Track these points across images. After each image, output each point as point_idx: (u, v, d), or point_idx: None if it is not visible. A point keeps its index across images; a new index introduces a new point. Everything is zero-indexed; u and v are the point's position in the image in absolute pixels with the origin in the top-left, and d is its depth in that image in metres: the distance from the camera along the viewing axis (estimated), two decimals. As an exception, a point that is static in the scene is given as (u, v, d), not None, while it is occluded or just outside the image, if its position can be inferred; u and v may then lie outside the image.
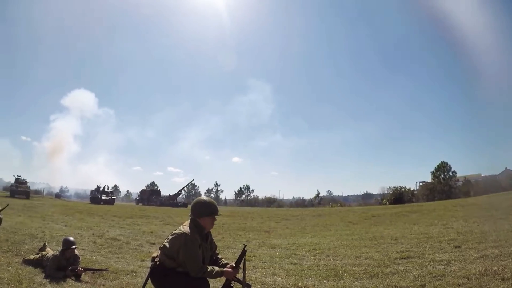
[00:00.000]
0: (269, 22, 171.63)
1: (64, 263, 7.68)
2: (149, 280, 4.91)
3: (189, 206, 5.29)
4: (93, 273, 7.87)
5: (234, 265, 5.03)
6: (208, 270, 4.77)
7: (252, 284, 6.39)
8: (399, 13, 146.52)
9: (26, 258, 8.66)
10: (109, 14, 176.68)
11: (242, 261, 4.99)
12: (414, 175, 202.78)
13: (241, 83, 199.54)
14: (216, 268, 4.89)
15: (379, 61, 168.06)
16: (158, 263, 4.83)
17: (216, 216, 5.14)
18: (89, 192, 72.92)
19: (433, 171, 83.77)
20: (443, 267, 8.44)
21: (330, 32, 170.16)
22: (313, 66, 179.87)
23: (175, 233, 4.86)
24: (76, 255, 7.99)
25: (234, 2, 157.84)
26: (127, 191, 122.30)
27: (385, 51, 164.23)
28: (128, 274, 8.05)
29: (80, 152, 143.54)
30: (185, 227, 4.91)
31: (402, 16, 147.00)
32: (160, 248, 4.96)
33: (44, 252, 8.66)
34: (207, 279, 4.88)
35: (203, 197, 5.41)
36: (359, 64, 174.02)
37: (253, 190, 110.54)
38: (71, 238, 8.10)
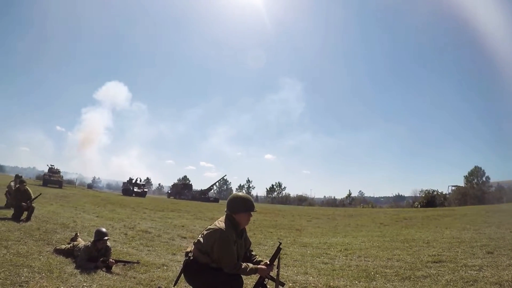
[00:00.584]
0: (301, 21, 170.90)
1: (96, 254, 7.72)
2: (182, 275, 4.86)
3: (221, 201, 5.22)
4: (124, 265, 7.90)
5: (268, 262, 4.97)
6: (243, 267, 4.73)
7: (285, 282, 6.28)
8: (431, 13, 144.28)
9: (58, 247, 8.73)
10: (149, 11, 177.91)
11: (277, 258, 4.92)
12: (447, 179, 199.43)
13: (272, 81, 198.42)
14: (251, 265, 4.84)
15: (415, 62, 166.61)
16: (191, 258, 4.79)
17: (252, 213, 5.05)
18: (121, 184, 73.98)
19: (466, 176, 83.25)
20: (475, 272, 8.29)
21: (366, 31, 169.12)
22: (347, 65, 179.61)
23: (210, 229, 4.82)
24: (108, 246, 8.03)
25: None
26: (159, 184, 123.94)
27: (421, 51, 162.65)
28: (159, 268, 8.06)
29: (113, 144, 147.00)
30: (220, 223, 4.85)
31: (434, 17, 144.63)
32: (194, 243, 4.92)
33: (75, 242, 8.70)
34: (241, 275, 4.82)
35: (240, 193, 5.28)
36: (394, 65, 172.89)
37: (284, 187, 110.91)
38: (104, 229, 8.13)
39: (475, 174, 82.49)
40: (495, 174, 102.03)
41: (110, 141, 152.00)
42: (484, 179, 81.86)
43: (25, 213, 12.87)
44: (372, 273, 8.46)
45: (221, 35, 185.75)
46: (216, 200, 69.78)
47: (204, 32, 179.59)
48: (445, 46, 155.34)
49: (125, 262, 8.02)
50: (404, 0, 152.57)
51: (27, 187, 13.58)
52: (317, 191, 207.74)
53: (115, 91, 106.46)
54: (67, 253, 8.30)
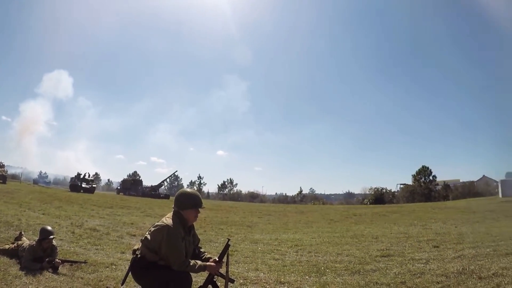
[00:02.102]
0: (250, 18, 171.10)
1: (41, 254, 7.46)
2: (130, 274, 4.78)
3: (171, 198, 5.17)
4: (71, 265, 7.67)
5: (217, 259, 4.94)
6: (191, 264, 4.67)
7: (235, 279, 6.29)
8: (397, 14, 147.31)
9: (1, 247, 8.40)
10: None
11: (226, 255, 4.90)
12: (396, 178, 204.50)
13: (218, 77, 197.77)
14: (199, 262, 4.79)
15: (368, 63, 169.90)
16: (139, 256, 4.71)
17: (200, 209, 5.02)
18: (69, 179, 72.39)
19: (414, 174, 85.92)
20: (422, 265, 8.65)
21: (317, 29, 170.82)
22: (301, 65, 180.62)
23: (157, 225, 4.73)
24: (54, 245, 7.76)
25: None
26: (108, 179, 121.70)
27: (375, 54, 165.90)
28: (107, 267, 7.88)
29: (59, 138, 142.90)
30: (168, 219, 4.78)
31: (396, 18, 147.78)
32: (141, 241, 4.83)
33: (20, 242, 8.40)
34: (190, 273, 4.77)
35: (187, 189, 5.26)
36: (349, 66, 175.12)
37: (236, 184, 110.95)
38: (49, 228, 7.85)
39: (423, 173, 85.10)
40: (442, 174, 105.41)
41: (55, 135, 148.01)
42: (431, 178, 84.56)
43: None
44: (323, 268, 8.63)
45: (172, 27, 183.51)
46: (166, 196, 68.71)
47: (153, 23, 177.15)
48: (399, 45, 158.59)
49: (72, 262, 7.78)
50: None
51: None
52: (269, 188, 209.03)
53: (58, 81, 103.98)
54: (11, 253, 7.99)
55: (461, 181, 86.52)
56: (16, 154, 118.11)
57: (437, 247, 11.17)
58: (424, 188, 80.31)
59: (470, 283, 6.90)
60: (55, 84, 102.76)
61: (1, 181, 49.15)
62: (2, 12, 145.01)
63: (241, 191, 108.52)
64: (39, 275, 6.85)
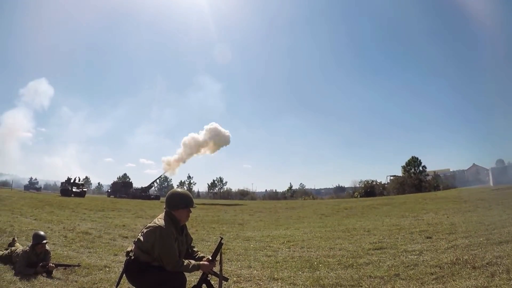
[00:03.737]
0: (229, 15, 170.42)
1: (35, 259, 7.48)
2: (124, 276, 4.80)
3: (162, 199, 5.19)
4: (65, 269, 7.70)
5: (210, 258, 4.97)
6: (185, 264, 4.70)
7: (229, 277, 6.32)
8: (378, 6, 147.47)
9: (-6, 254, 8.41)
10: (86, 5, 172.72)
11: (219, 254, 4.93)
12: (385, 169, 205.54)
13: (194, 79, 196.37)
14: (193, 262, 4.82)
15: (352, 57, 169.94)
16: (132, 257, 4.72)
17: (192, 209, 5.05)
18: (59, 184, 72.11)
19: (403, 166, 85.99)
20: (415, 257, 8.67)
21: (300, 24, 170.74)
22: (288, 61, 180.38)
23: (149, 227, 4.75)
24: (47, 250, 7.80)
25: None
26: (99, 183, 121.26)
27: (358, 46, 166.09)
28: (101, 270, 7.89)
29: (48, 144, 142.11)
30: (159, 220, 4.80)
31: (376, 11, 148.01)
32: (134, 242, 4.85)
33: (13, 248, 8.42)
34: (184, 273, 4.80)
35: (178, 189, 5.24)
36: (334, 60, 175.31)
37: (226, 182, 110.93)
38: (42, 233, 7.88)
39: (412, 164, 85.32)
40: (432, 164, 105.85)
41: (43, 141, 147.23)
42: (421, 168, 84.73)
43: None
44: (315, 263, 8.66)
45: (149, 30, 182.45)
46: (157, 197, 69.10)
47: (131, 23, 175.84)
48: (384, 37, 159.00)
49: (66, 266, 7.81)
50: None
51: None
52: (259, 185, 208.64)
53: (38, 89, 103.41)
54: (5, 259, 8.01)
55: (451, 170, 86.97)
56: (4, 161, 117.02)
57: (430, 238, 11.19)
58: (415, 179, 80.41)
59: (464, 273, 6.90)
60: (37, 92, 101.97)
61: (-8, 188, 48.92)
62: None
63: (231, 189, 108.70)
64: (33, 279, 6.88)
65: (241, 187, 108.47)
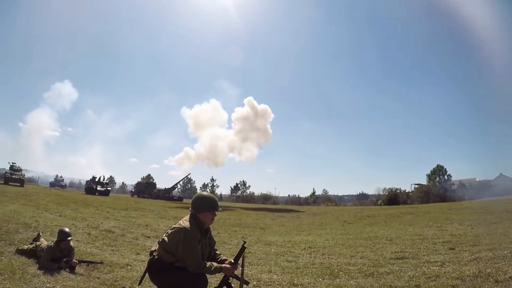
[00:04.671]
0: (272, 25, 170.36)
1: (59, 255, 7.60)
2: (147, 275, 4.86)
3: (185, 200, 5.22)
4: (88, 265, 7.81)
5: (232, 261, 4.99)
6: (207, 266, 4.74)
7: (249, 281, 6.33)
8: (397, 12, 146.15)
9: (20, 248, 8.56)
10: (109, 8, 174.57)
11: (241, 257, 4.96)
12: (410, 178, 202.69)
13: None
14: (215, 264, 4.86)
15: (377, 65, 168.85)
16: (156, 257, 4.79)
17: (216, 212, 5.08)
18: (84, 182, 72.90)
19: (428, 174, 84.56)
20: (437, 268, 8.47)
21: (326, 32, 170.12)
22: (311, 67, 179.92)
23: (174, 228, 4.82)
24: (71, 246, 7.92)
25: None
26: (123, 182, 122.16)
27: (382, 54, 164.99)
28: (123, 268, 7.99)
29: (75, 143, 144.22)
30: (185, 222, 4.86)
31: (400, 16, 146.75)
32: (158, 242, 4.92)
33: (38, 243, 8.54)
34: (206, 275, 4.84)
35: (204, 192, 5.32)
36: (358, 67, 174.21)
37: (249, 186, 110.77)
38: (67, 229, 8.00)
39: (438, 172, 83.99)
40: (457, 173, 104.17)
41: (70, 140, 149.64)
42: (446, 177, 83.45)
43: None
44: (336, 270, 8.57)
45: (182, 32, 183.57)
46: (180, 199, 69.18)
47: (157, 22, 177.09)
48: (407, 46, 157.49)
49: (89, 262, 7.92)
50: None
51: None
52: (282, 190, 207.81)
53: (63, 91, 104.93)
54: (30, 253, 8.15)
55: (477, 180, 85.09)
56: (30, 159, 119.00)
57: (453, 249, 10.91)
58: (439, 188, 79.09)
59: (486, 286, 6.74)
60: (62, 93, 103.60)
61: (19, 184, 49.61)
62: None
63: (253, 193, 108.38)
64: (56, 274, 6.99)
65: (264, 191, 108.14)
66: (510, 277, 7.16)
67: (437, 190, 77.80)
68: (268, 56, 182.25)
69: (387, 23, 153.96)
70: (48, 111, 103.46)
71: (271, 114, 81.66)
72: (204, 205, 4.98)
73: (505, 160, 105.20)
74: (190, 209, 5.04)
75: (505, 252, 9.76)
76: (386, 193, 76.85)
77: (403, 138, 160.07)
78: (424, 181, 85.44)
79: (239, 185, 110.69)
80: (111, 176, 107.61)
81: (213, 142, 79.73)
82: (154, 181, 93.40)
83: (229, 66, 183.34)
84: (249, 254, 10.56)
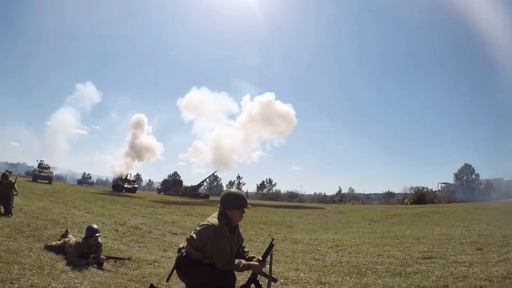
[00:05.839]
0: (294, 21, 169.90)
1: (87, 251, 7.68)
2: (175, 271, 4.86)
3: (211, 198, 5.21)
4: (115, 261, 7.87)
5: (261, 259, 4.98)
6: (235, 263, 4.74)
7: (277, 278, 6.29)
8: (419, 11, 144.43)
9: (48, 244, 8.66)
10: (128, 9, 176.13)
11: (269, 255, 4.93)
12: (437, 176, 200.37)
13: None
14: (243, 261, 4.85)
15: (404, 62, 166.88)
16: (184, 254, 4.80)
17: (245, 209, 5.06)
18: (111, 180, 73.80)
19: (456, 173, 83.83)
20: (465, 268, 8.33)
21: (349, 29, 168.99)
22: (337, 64, 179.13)
23: (203, 225, 4.82)
24: (99, 243, 8.00)
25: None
26: (150, 180, 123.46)
27: (406, 50, 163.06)
28: (150, 264, 8.04)
29: (101, 141, 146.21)
30: (213, 219, 4.87)
31: (423, 15, 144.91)
32: (187, 239, 4.92)
33: (66, 239, 8.65)
34: (234, 272, 4.83)
35: (233, 189, 5.33)
36: (384, 65, 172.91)
37: (275, 184, 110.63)
38: (95, 226, 8.08)
39: (465, 171, 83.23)
40: (485, 172, 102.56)
41: (97, 138, 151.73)
42: (473, 176, 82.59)
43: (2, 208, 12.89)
44: (363, 269, 8.49)
45: (209, 32, 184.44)
46: (206, 196, 69.86)
47: (180, 22, 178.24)
48: (433, 45, 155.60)
49: (116, 259, 7.98)
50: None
51: (11, 179, 13.46)
52: (308, 188, 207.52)
53: (87, 91, 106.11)
54: (58, 249, 8.25)
55: (504, 180, 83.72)
56: (58, 156, 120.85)
57: (481, 249, 10.72)
58: (467, 187, 78.39)
59: (514, 288, 6.62)
60: (86, 93, 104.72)
61: (47, 181, 50.57)
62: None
63: (280, 190, 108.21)
64: (84, 270, 7.06)
65: (290, 189, 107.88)
66: (538, 278, 7.03)
67: (464, 189, 76.92)
68: (289, 55, 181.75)
69: (412, 18, 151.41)
70: (73, 110, 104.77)
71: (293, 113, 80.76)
72: (233, 202, 4.98)
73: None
74: (218, 206, 5.05)
75: (534, 253, 9.60)
76: (413, 192, 76.04)
77: (431, 136, 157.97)
78: (451, 180, 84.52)
79: (265, 183, 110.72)
80: (137, 174, 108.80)
81: (220, 142, 79.33)
82: (180, 179, 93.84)
83: (249, 66, 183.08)
84: (276, 251, 10.43)
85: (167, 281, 5.23)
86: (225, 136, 79.42)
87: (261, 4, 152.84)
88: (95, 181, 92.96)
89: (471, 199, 65.08)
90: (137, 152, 76.07)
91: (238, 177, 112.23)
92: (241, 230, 5.49)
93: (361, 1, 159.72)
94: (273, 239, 5.19)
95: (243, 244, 5.38)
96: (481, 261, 9.00)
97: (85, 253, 7.63)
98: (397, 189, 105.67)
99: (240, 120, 79.04)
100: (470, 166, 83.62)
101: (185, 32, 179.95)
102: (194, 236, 4.78)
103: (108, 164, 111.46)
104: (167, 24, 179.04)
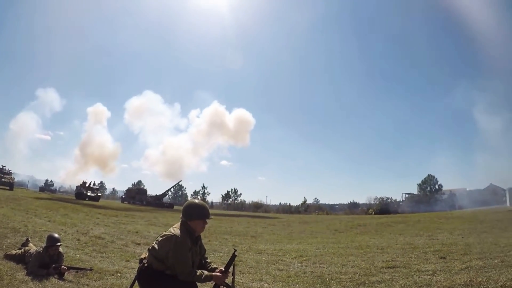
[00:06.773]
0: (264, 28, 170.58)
1: (47, 261, 7.53)
2: (136, 282, 4.81)
3: (176, 207, 5.18)
4: (77, 272, 7.72)
5: (223, 269, 4.94)
6: (198, 274, 4.68)
7: (240, 290, 6.30)
8: (388, 17, 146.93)
9: (8, 253, 8.50)
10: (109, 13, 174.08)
11: (232, 266, 4.91)
12: (401, 187, 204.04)
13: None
14: (206, 272, 4.80)
15: (366, 75, 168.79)
16: (146, 265, 4.73)
17: (207, 220, 5.04)
18: (74, 188, 72.68)
19: (419, 184, 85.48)
20: (428, 277, 8.50)
21: (315, 37, 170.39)
22: (295, 79, 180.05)
23: (165, 235, 4.76)
24: (60, 252, 7.86)
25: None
26: (113, 188, 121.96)
27: (371, 67, 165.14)
28: (113, 275, 7.92)
29: (65, 148, 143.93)
30: (175, 229, 4.81)
31: (389, 23, 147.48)
32: (148, 250, 4.85)
33: (26, 248, 8.49)
34: (196, 283, 4.79)
35: (195, 200, 5.28)
36: (348, 78, 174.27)
37: (240, 194, 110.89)
38: (56, 235, 7.94)
39: (428, 182, 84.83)
40: (448, 182, 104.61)
41: (61, 145, 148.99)
42: (437, 187, 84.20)
43: None
44: (327, 279, 8.55)
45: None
46: (171, 205, 69.01)
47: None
48: (394, 56, 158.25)
49: (78, 269, 7.83)
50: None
51: None
52: (273, 198, 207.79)
53: (48, 97, 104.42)
54: (18, 259, 8.08)
55: (467, 189, 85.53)
56: (20, 162, 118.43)
57: (444, 258, 11.01)
58: (430, 197, 79.88)
59: (477, 295, 6.74)
60: (47, 99, 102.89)
61: (8, 188, 49.26)
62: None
63: (245, 201, 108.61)
64: (45, 280, 6.93)
65: (255, 199, 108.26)
66: (501, 286, 7.24)
67: (428, 199, 78.46)
68: (256, 62, 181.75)
69: (381, 27, 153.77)
70: (35, 115, 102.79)
71: (250, 119, 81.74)
72: (195, 213, 4.95)
73: (494, 170, 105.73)
74: (181, 216, 5.00)
75: (496, 261, 9.90)
76: (377, 202, 77.36)
77: (395, 147, 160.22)
78: (415, 191, 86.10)
79: (230, 193, 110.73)
80: (101, 182, 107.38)
81: (171, 152, 79.91)
82: (145, 188, 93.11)
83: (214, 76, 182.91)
84: (240, 262, 10.50)
85: (129, 292, 5.18)
86: (175, 147, 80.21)
87: (234, 14, 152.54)
88: (58, 188, 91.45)
89: (435, 209, 66.33)
90: (91, 154, 76.18)
91: (203, 187, 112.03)
92: (205, 240, 5.52)
93: (326, 13, 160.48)
94: (235, 250, 5.17)
95: (205, 255, 5.34)
96: (444, 270, 9.21)
97: (46, 263, 7.48)
98: (361, 199, 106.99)
99: (191, 131, 79.84)
100: (434, 177, 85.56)
101: (148, 37, 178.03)
102: (156, 246, 4.72)
103: (72, 172, 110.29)
104: (126, 28, 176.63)
